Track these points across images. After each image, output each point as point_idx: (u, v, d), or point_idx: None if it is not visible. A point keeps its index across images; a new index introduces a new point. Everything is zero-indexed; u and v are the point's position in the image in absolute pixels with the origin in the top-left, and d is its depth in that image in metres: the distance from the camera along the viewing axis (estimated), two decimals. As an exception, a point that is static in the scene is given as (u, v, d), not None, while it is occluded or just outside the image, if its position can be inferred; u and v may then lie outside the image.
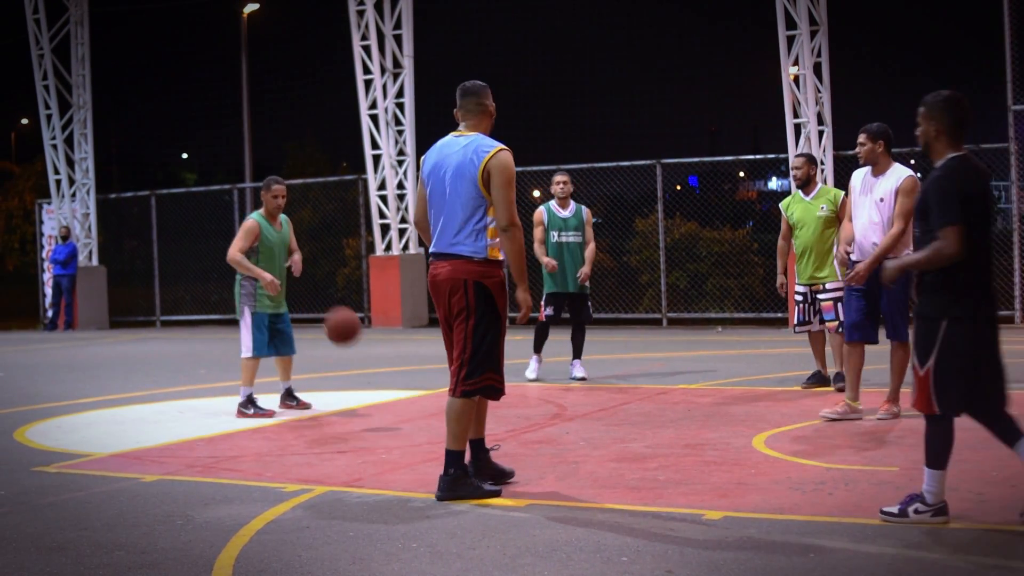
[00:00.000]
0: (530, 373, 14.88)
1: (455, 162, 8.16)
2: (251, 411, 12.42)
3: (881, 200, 10.69)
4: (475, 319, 8.12)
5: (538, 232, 14.84)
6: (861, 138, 10.87)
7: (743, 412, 11.55)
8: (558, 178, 15.05)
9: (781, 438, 10.04)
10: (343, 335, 11.05)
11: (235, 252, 12.43)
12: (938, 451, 7.08)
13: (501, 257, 8.27)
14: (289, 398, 12.92)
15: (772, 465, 8.91)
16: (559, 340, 15.60)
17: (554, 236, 14.75)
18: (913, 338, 7.22)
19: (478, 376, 8.16)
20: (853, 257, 10.89)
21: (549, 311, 14.86)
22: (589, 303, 15.02)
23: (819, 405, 11.52)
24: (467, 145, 8.19)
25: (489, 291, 8.16)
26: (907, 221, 10.32)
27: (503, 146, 8.19)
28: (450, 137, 8.35)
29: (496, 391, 8.32)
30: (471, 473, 8.35)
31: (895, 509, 7.11)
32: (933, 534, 6.74)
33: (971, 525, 6.94)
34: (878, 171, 10.80)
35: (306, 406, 12.84)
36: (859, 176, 11.06)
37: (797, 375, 13.77)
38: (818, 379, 13.13)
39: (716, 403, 12.21)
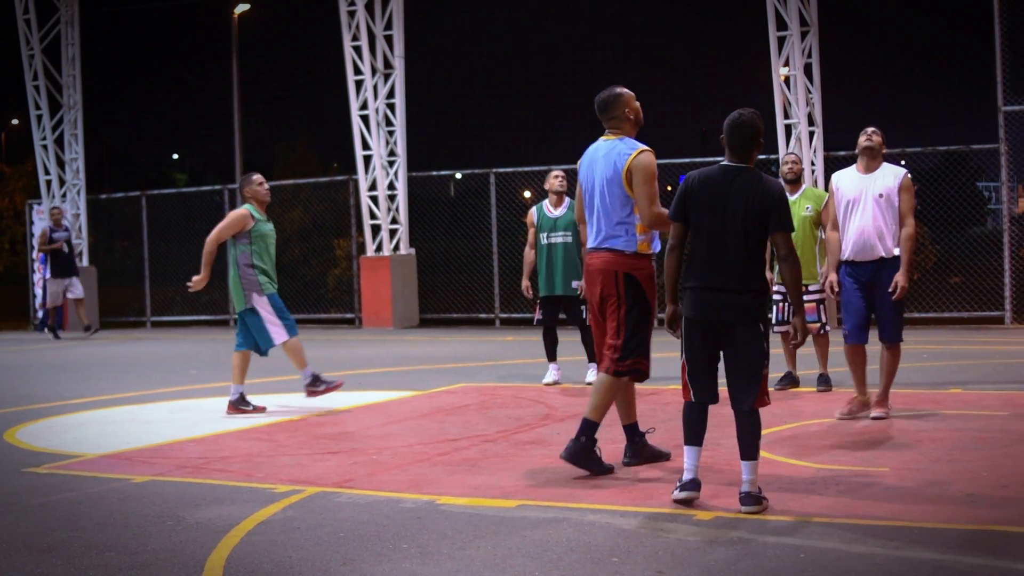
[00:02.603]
0: (548, 378, 14.47)
1: (603, 164, 8.87)
2: (322, 387, 12.78)
3: (880, 196, 10.69)
4: (626, 307, 8.83)
5: (530, 235, 14.64)
6: (879, 134, 10.96)
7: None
8: (556, 172, 14.70)
9: (770, 439, 10.04)
10: None
11: (214, 240, 12.74)
12: (689, 430, 7.94)
13: (650, 251, 9.01)
14: (317, 383, 12.86)
15: (762, 466, 8.90)
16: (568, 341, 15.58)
17: (544, 238, 14.31)
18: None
19: (629, 360, 8.83)
20: (848, 258, 10.85)
21: (539, 316, 14.57)
22: (584, 307, 14.36)
23: (807, 406, 11.54)
24: (612, 148, 8.87)
25: (638, 281, 8.87)
26: (913, 217, 10.77)
27: (645, 147, 8.83)
28: (600, 141, 9.03)
29: (643, 374, 9.00)
30: (627, 455, 9.19)
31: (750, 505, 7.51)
32: (924, 534, 6.75)
33: (961, 525, 6.94)
34: (872, 167, 10.85)
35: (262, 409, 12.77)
36: (845, 177, 11.01)
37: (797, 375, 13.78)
38: (790, 380, 13.16)
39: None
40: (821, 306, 12.94)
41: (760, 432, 7.74)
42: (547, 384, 14.34)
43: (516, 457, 9.59)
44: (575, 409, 12.00)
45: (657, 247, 9.08)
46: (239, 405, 12.61)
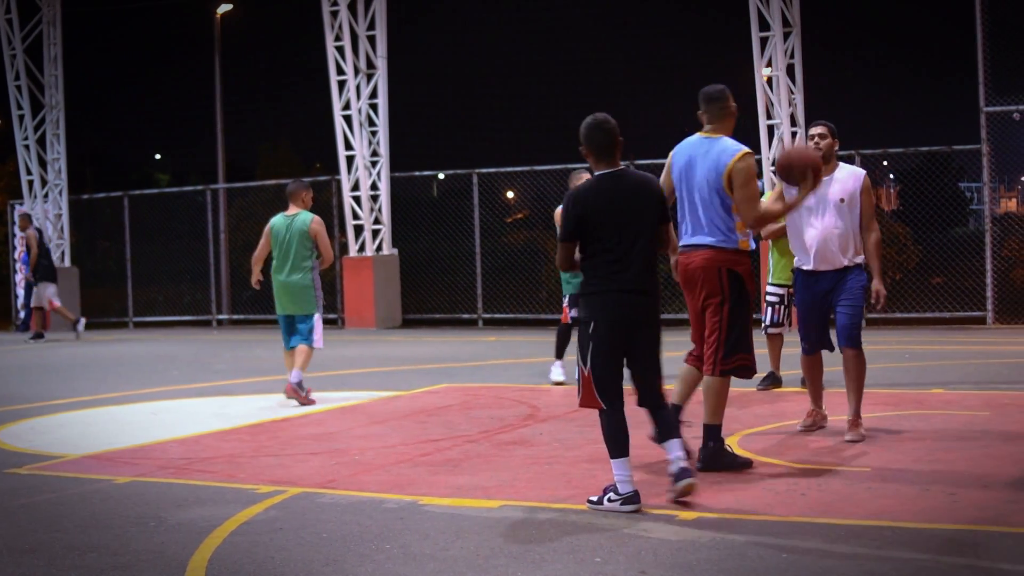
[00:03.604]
0: (556, 376, 14.35)
1: (705, 162, 8.85)
2: (303, 393, 13.25)
3: (841, 201, 9.84)
4: (730, 304, 8.80)
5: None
6: (821, 130, 10.07)
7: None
8: (584, 173, 14.02)
9: (754, 439, 10.06)
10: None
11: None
12: (614, 442, 7.70)
13: (749, 248, 9.01)
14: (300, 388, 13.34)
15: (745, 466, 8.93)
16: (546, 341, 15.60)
17: None
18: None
19: (733, 357, 8.86)
20: (808, 267, 9.99)
21: (575, 313, 14.36)
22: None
23: (791, 407, 11.55)
24: (714, 147, 8.87)
25: (741, 278, 8.84)
26: (876, 221, 10.09)
27: (747, 150, 8.86)
28: (697, 138, 9.01)
29: (749, 370, 9.00)
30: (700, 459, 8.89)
31: (595, 498, 7.70)
32: (906, 534, 6.76)
33: (943, 525, 6.96)
34: (828, 170, 9.84)
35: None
36: None
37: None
38: (772, 380, 13.18)
39: (690, 403, 12.21)
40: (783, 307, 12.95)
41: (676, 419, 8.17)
42: (557, 383, 14.23)
43: (498, 458, 9.59)
44: (558, 410, 12.00)
45: (753, 245, 9.18)
46: (298, 389, 13.19)
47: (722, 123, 9.01)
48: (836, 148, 10.15)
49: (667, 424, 7.90)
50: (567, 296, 14.39)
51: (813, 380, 10.43)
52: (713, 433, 8.86)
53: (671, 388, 8.83)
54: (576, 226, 7.80)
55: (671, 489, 7.69)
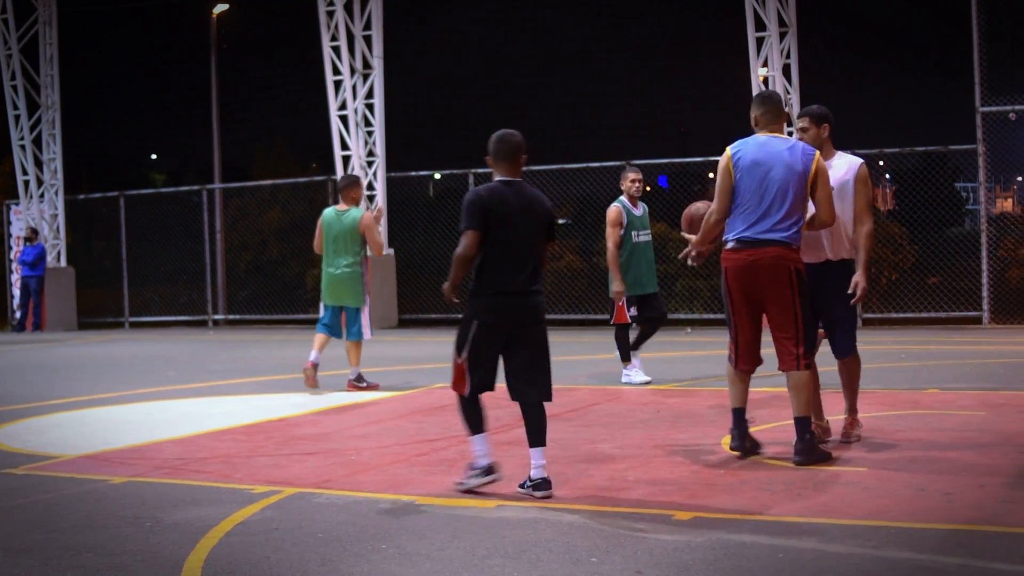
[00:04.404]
0: (639, 377, 14.17)
1: (785, 160, 9.00)
2: (364, 384, 14.39)
3: (832, 188, 9.31)
4: (800, 300, 9.03)
5: (616, 233, 14.15)
6: (803, 122, 9.70)
7: (712, 413, 11.56)
8: (632, 176, 14.32)
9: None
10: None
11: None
12: (472, 420, 8.35)
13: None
14: (360, 380, 14.50)
15: (741, 466, 8.93)
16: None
17: (635, 236, 14.14)
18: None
19: (810, 349, 9.19)
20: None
21: (633, 312, 14.28)
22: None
23: (786, 406, 11.52)
24: (792, 147, 9.09)
25: (804, 276, 9.08)
26: (870, 214, 9.59)
27: (819, 152, 9.23)
28: (767, 137, 9.18)
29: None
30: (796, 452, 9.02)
31: (459, 479, 8.38)
32: (901, 534, 6.76)
33: (939, 525, 6.96)
34: (822, 158, 9.34)
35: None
36: None
37: (766, 377, 13.78)
38: None
39: (685, 404, 12.23)
40: None
41: (546, 420, 8.34)
42: (642, 384, 14.05)
43: (495, 458, 9.57)
44: (554, 409, 11.96)
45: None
46: (356, 383, 14.34)
47: (780, 125, 9.28)
48: (826, 135, 9.67)
49: (537, 429, 8.30)
50: (627, 297, 14.23)
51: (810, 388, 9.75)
52: (807, 425, 8.98)
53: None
54: (483, 219, 8.22)
55: (530, 493, 8.10)
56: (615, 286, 14.10)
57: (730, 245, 9.14)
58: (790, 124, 18.43)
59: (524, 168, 8.54)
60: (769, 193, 8.97)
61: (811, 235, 9.39)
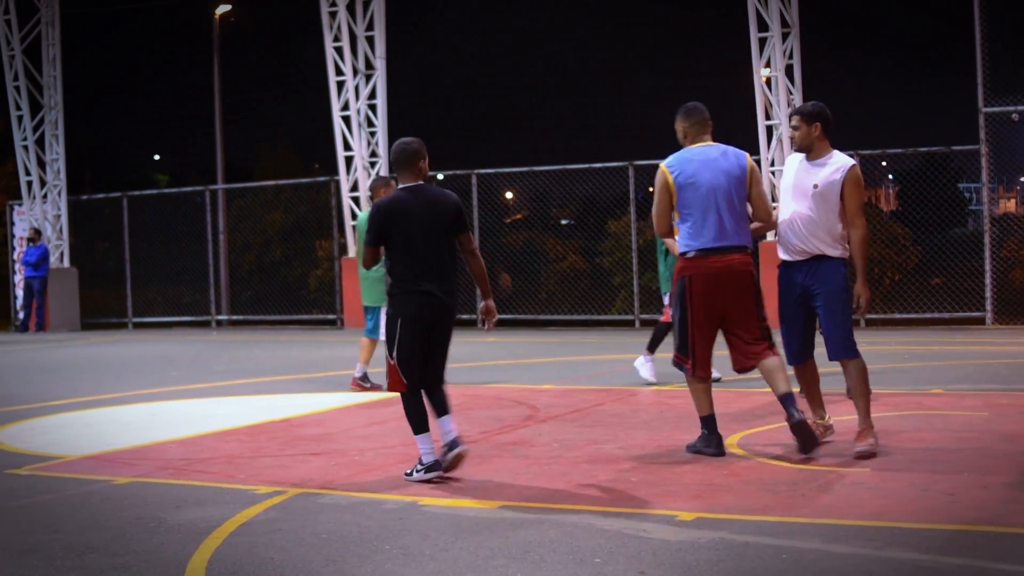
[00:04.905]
0: (645, 372, 14.21)
1: (722, 167, 9.32)
2: (368, 385, 14.44)
3: (815, 187, 9.20)
4: (759, 301, 9.43)
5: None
6: (794, 120, 9.45)
7: (716, 413, 11.55)
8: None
9: (754, 439, 10.07)
10: None
11: None
12: (416, 419, 8.88)
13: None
14: (365, 380, 14.57)
15: (745, 466, 8.93)
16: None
17: None
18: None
19: (772, 340, 9.41)
20: (782, 256, 9.53)
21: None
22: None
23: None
24: (725, 152, 9.42)
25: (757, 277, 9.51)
26: (864, 218, 9.29)
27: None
28: (699, 147, 9.49)
29: None
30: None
31: (408, 470, 8.90)
32: (905, 534, 6.76)
33: (942, 525, 6.96)
34: (813, 157, 9.31)
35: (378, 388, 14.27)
36: (794, 162, 9.54)
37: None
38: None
39: (689, 404, 12.20)
40: None
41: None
42: (646, 382, 14.04)
43: (498, 458, 9.59)
44: (558, 410, 12.00)
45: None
46: (361, 382, 14.43)
47: (708, 133, 9.59)
48: (818, 132, 9.34)
49: (442, 402, 8.94)
50: (669, 295, 14.02)
51: (808, 388, 9.76)
52: (793, 399, 9.15)
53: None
54: (379, 233, 8.90)
55: (444, 458, 8.77)
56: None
57: (691, 255, 9.33)
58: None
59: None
60: (716, 202, 9.24)
61: (795, 232, 9.33)
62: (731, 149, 9.45)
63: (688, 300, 9.35)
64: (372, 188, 14.29)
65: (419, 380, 8.88)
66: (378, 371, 15.71)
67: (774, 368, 9.24)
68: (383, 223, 8.84)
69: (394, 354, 8.84)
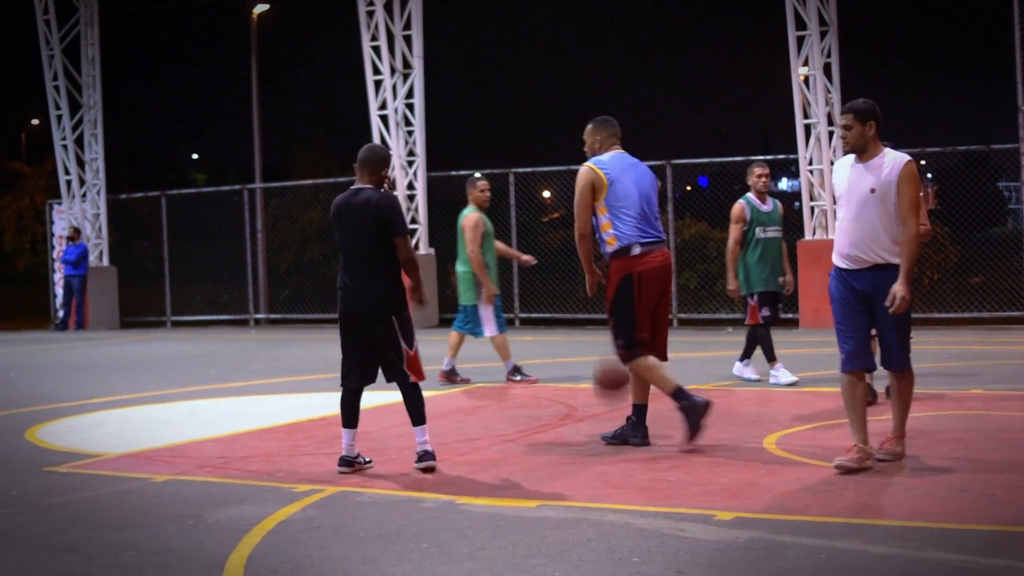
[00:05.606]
0: (786, 377, 13.63)
1: (644, 169, 10.25)
2: (519, 378, 14.71)
3: (872, 191, 8.62)
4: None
5: (737, 229, 13.85)
6: (846, 119, 8.75)
7: (754, 413, 11.54)
8: (759, 171, 14.05)
9: (792, 439, 10.03)
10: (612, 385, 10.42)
11: (477, 250, 14.40)
12: (345, 414, 9.39)
13: None
14: (516, 373, 14.73)
15: (783, 466, 8.90)
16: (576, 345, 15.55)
17: (760, 232, 13.77)
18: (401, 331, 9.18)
19: None
20: (840, 264, 8.83)
21: (766, 312, 13.82)
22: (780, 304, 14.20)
23: (826, 405, 11.49)
24: (637, 160, 10.29)
25: None
26: (919, 217, 8.67)
27: None
28: (618, 153, 10.26)
29: None
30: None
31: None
32: (944, 535, 6.73)
33: (982, 526, 6.93)
34: (867, 158, 8.71)
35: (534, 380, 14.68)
36: (845, 165, 8.92)
37: (807, 376, 13.75)
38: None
39: (727, 404, 12.20)
40: None
41: (423, 401, 9.28)
42: (789, 385, 13.50)
43: (536, 457, 9.59)
44: (595, 409, 11.98)
45: None
46: (450, 375, 14.88)
47: (619, 144, 10.37)
48: (872, 131, 8.70)
49: (413, 410, 9.24)
50: (755, 294, 13.86)
51: (855, 406, 8.81)
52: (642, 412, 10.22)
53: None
54: (334, 227, 9.40)
55: (416, 466, 9.13)
56: (729, 284, 13.84)
57: (637, 251, 9.91)
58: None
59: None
60: (645, 199, 10.04)
61: (857, 241, 8.66)
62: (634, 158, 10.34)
63: (637, 298, 9.87)
64: (468, 187, 15.05)
65: (357, 378, 9.32)
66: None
67: (659, 369, 9.98)
68: (332, 222, 9.43)
69: (416, 345, 9.27)
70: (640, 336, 9.89)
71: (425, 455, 9.12)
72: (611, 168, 10.02)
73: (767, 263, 13.76)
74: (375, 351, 9.23)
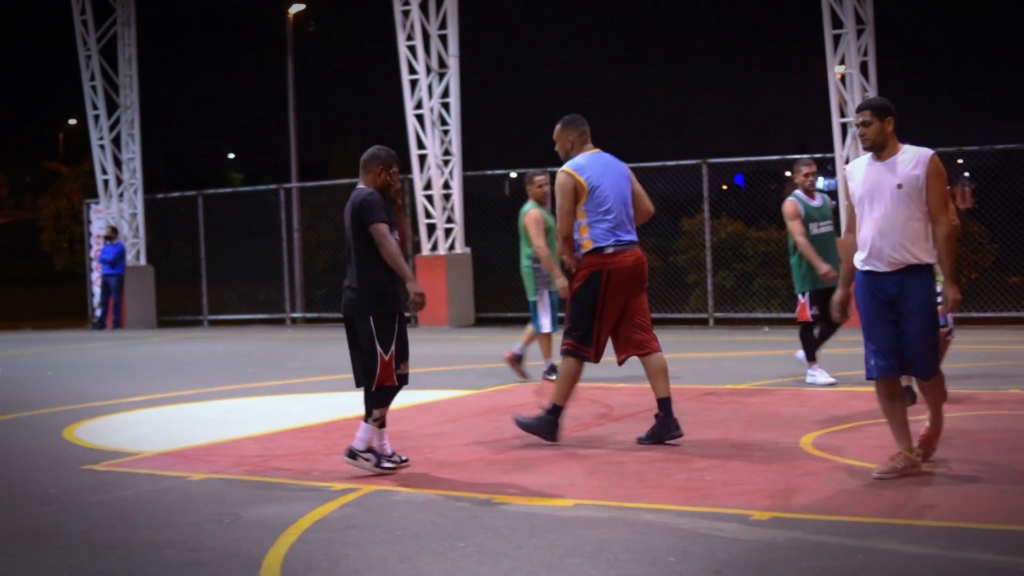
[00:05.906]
0: (823, 378, 13.52)
1: (622, 170, 10.44)
2: (554, 378, 13.94)
3: (899, 187, 8.30)
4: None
5: (797, 225, 13.71)
6: (864, 116, 8.44)
7: (790, 412, 11.51)
8: (805, 169, 13.95)
9: (829, 439, 10.00)
10: None
11: (543, 244, 14.09)
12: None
13: None
14: (552, 372, 14.23)
15: (820, 466, 8.88)
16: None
17: (814, 228, 13.66)
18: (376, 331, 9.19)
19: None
20: (865, 267, 8.50)
21: (815, 310, 13.66)
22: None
23: (862, 406, 11.44)
24: (612, 157, 10.48)
25: None
26: (949, 213, 8.44)
27: None
28: (597, 152, 10.46)
29: None
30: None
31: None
32: (982, 535, 6.71)
33: (1020, 526, 6.90)
34: (886, 155, 8.39)
35: None
36: (860, 168, 8.61)
37: (844, 375, 13.70)
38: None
39: (763, 403, 12.18)
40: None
41: (387, 403, 9.28)
42: (826, 385, 13.38)
43: (572, 456, 9.59)
44: (632, 409, 11.98)
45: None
46: (515, 361, 14.91)
47: (590, 141, 10.57)
48: (891, 128, 8.42)
49: (367, 404, 9.26)
50: (806, 293, 13.76)
51: (893, 413, 8.56)
52: (670, 406, 10.09)
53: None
54: None
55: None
56: (821, 268, 13.42)
57: (610, 250, 10.07)
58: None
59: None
60: (621, 200, 10.23)
61: (885, 242, 8.34)
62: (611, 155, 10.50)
63: (602, 294, 10.02)
64: (526, 183, 15.07)
65: (358, 379, 9.36)
66: (447, 368, 15.75)
67: (661, 368, 10.11)
68: None
69: (392, 349, 9.30)
70: (594, 340, 10.15)
71: (349, 450, 9.14)
72: (591, 172, 10.21)
73: (823, 258, 13.51)
74: (361, 352, 9.28)
